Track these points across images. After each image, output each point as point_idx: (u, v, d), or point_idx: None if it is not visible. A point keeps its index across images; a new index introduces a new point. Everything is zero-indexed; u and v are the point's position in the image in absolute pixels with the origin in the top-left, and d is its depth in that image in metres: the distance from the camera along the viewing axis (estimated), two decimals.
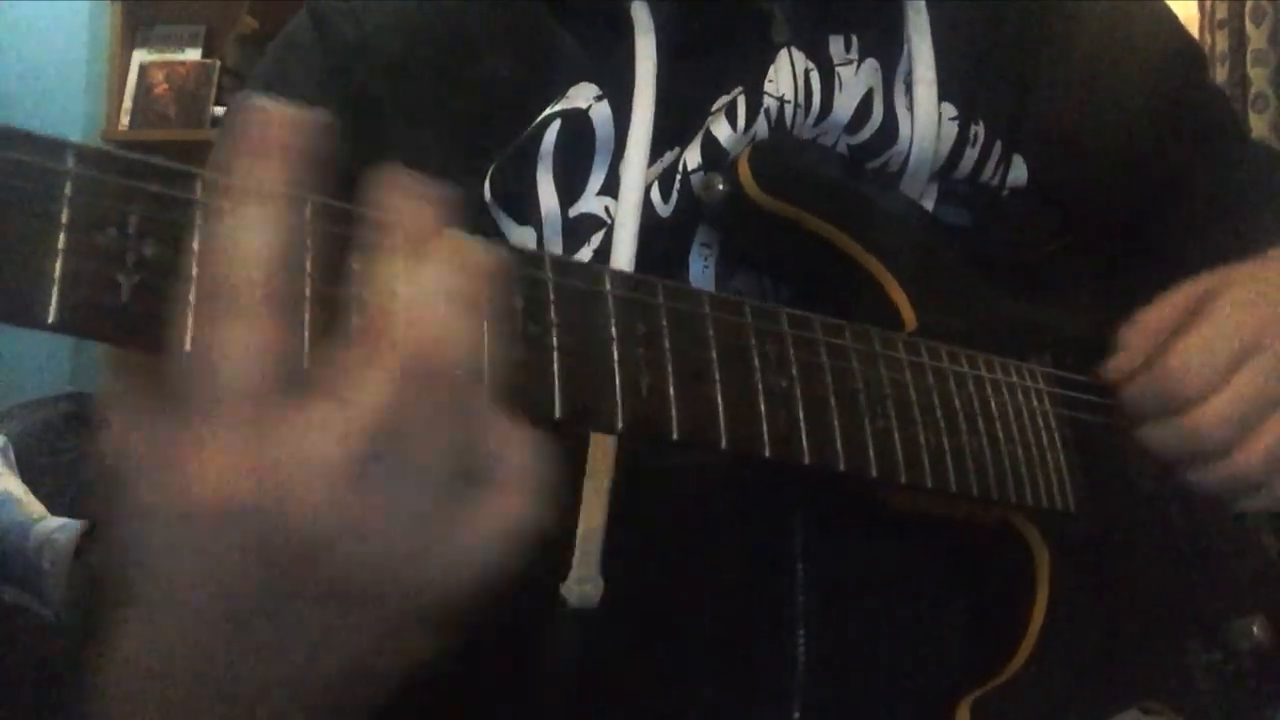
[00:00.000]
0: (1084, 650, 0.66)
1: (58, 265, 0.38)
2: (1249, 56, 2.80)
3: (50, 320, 0.38)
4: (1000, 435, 0.63)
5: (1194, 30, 2.74)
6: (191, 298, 0.38)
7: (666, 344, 0.51)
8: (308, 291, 0.40)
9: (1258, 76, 2.80)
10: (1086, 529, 0.67)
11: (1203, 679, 0.71)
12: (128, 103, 3.24)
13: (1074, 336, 0.72)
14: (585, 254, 0.65)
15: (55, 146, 0.39)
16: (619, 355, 0.49)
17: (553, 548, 0.61)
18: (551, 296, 0.47)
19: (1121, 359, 0.69)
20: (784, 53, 0.68)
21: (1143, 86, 0.81)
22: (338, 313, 0.41)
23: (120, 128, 3.23)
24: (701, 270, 0.67)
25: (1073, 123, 0.76)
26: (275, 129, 0.41)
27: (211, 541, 0.38)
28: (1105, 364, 0.69)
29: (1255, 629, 0.72)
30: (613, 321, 0.49)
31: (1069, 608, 0.65)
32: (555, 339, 0.47)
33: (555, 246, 0.66)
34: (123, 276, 0.38)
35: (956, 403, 0.61)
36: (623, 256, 0.63)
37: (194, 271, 0.38)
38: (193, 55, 3.28)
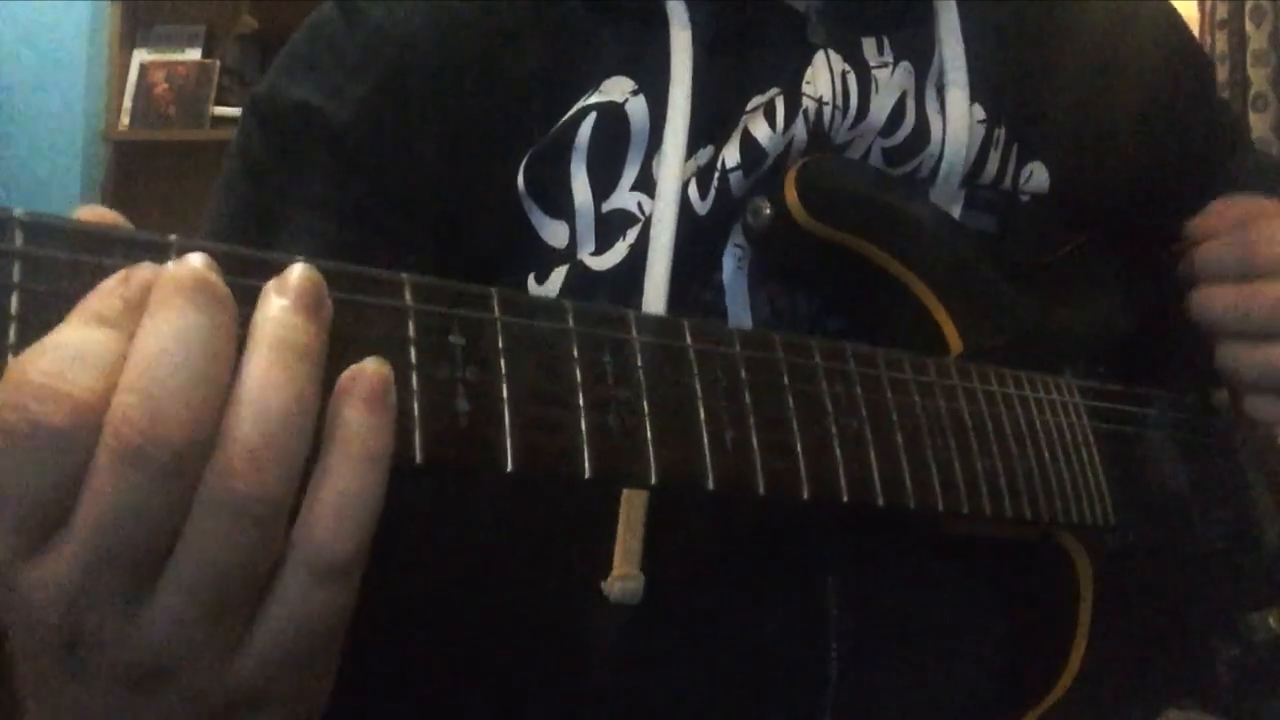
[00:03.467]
0: (1128, 657, 0.67)
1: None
2: (1249, 56, 2.80)
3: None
4: (1046, 455, 0.63)
5: (1194, 30, 2.74)
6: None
7: (747, 397, 0.50)
8: None
9: (1258, 76, 2.80)
10: (1123, 538, 0.68)
11: (1225, 674, 0.71)
12: (128, 103, 3.24)
13: (1098, 343, 0.73)
14: (620, 249, 0.65)
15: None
16: (704, 413, 0.48)
17: (595, 545, 0.61)
18: (638, 358, 0.47)
19: (1204, 220, 0.71)
20: (820, 54, 0.68)
21: (1156, 96, 0.81)
22: None
23: (120, 128, 3.23)
24: (735, 269, 0.66)
25: (1091, 129, 0.76)
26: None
27: None
28: (1186, 221, 0.72)
29: (1271, 621, 0.73)
30: (696, 378, 0.48)
31: (1112, 617, 0.66)
32: (646, 403, 0.46)
33: (588, 241, 0.66)
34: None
35: (1006, 426, 0.61)
36: (661, 253, 0.63)
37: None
38: (193, 55, 3.27)
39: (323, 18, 0.70)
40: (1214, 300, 0.69)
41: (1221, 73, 2.78)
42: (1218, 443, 0.76)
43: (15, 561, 0.36)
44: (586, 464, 0.44)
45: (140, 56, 3.27)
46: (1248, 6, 2.80)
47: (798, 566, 0.66)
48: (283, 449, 0.36)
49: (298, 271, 0.37)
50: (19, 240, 0.35)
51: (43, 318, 0.35)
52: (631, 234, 0.65)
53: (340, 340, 0.39)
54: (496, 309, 0.43)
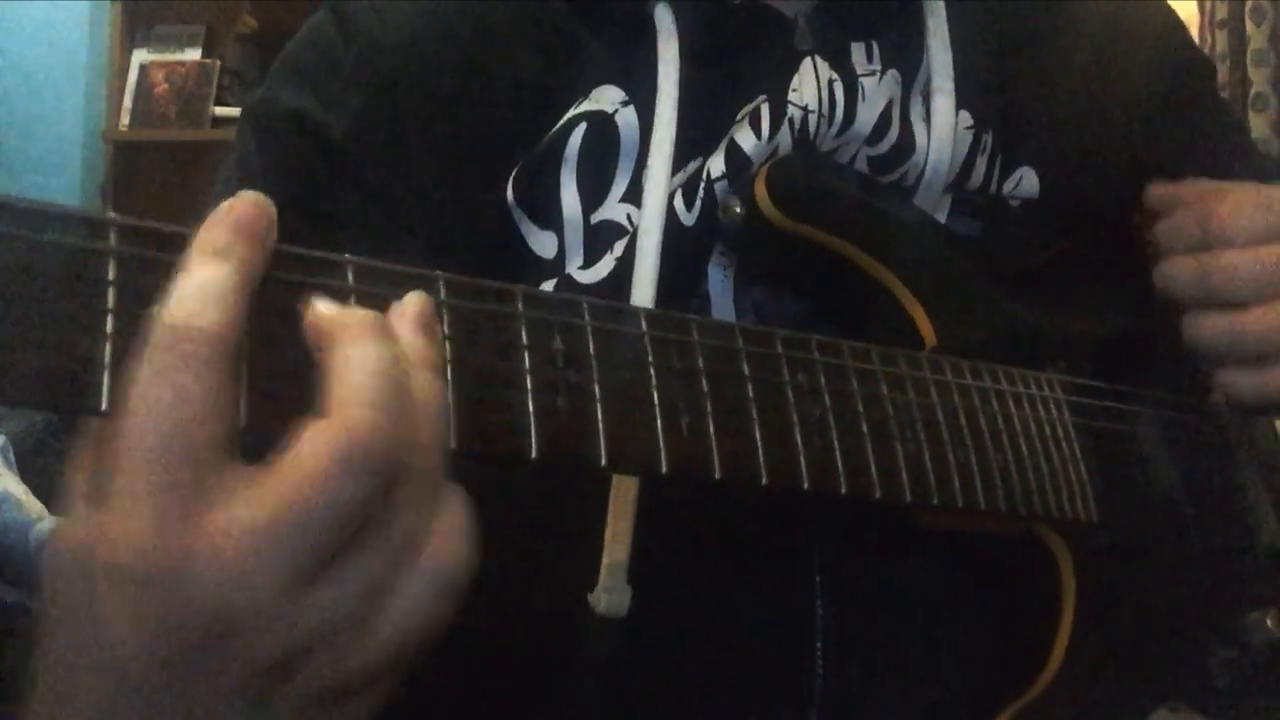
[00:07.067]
0: (1112, 655, 0.67)
1: (107, 350, 0.37)
2: (1249, 56, 2.80)
3: (103, 407, 0.37)
4: (1024, 449, 0.63)
5: (1194, 30, 2.74)
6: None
7: (704, 383, 0.50)
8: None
9: (1258, 76, 2.79)
10: (1107, 536, 0.68)
11: (1220, 676, 0.71)
12: (128, 103, 3.24)
13: (1086, 344, 0.72)
14: (608, 261, 0.65)
15: (96, 224, 0.38)
16: (659, 398, 0.48)
17: (581, 557, 0.61)
18: (590, 343, 0.47)
19: (1168, 192, 0.71)
20: (807, 61, 0.67)
21: (1151, 101, 0.80)
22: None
23: (120, 128, 3.23)
24: (721, 280, 0.66)
25: (1083, 135, 0.76)
26: (246, 209, 0.41)
27: (113, 611, 0.37)
28: (1150, 190, 0.72)
29: (1268, 623, 0.72)
30: (651, 363, 0.49)
31: (1095, 614, 0.66)
32: (597, 386, 0.47)
33: (576, 253, 0.65)
34: None
35: (981, 419, 0.61)
36: (646, 266, 0.63)
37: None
38: (193, 55, 3.27)
39: (317, 26, 0.71)
40: (1175, 270, 0.69)
41: (1221, 73, 2.77)
42: (1213, 442, 0.76)
43: (175, 527, 0.36)
44: (534, 444, 0.44)
45: (140, 57, 3.27)
46: (1248, 6, 2.80)
47: (784, 575, 0.66)
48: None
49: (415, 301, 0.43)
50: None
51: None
52: (619, 247, 0.65)
53: None
54: (442, 290, 0.44)
